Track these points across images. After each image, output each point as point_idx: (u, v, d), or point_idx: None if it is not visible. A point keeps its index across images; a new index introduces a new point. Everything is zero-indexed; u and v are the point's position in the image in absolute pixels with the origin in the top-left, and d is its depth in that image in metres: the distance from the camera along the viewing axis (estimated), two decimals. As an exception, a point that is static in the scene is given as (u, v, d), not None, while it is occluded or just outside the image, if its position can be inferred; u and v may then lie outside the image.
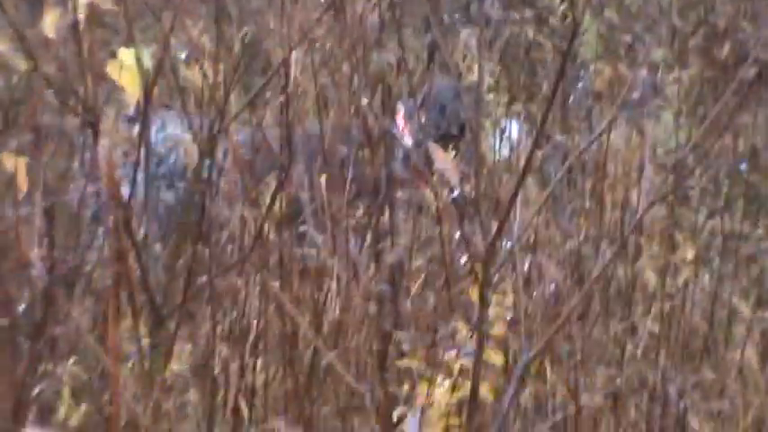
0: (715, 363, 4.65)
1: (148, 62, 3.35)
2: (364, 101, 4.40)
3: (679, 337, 4.58)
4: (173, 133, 5.12)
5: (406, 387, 3.30)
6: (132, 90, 3.45)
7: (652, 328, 4.56)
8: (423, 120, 5.21)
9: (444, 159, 3.19)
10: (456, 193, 3.33)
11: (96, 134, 3.06)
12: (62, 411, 4.09)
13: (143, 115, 3.36)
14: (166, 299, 3.24)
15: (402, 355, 3.87)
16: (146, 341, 3.32)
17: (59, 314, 4.04)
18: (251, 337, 4.11)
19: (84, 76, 3.13)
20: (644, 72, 5.28)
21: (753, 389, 4.50)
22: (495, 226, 3.16)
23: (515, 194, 3.21)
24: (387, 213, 4.25)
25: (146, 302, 3.29)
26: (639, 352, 4.53)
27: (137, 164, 3.56)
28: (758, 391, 4.49)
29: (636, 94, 5.13)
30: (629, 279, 4.65)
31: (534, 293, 4.19)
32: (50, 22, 3.82)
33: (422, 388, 3.26)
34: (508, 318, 3.29)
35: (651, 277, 4.68)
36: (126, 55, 3.39)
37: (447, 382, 3.26)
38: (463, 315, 3.59)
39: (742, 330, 4.72)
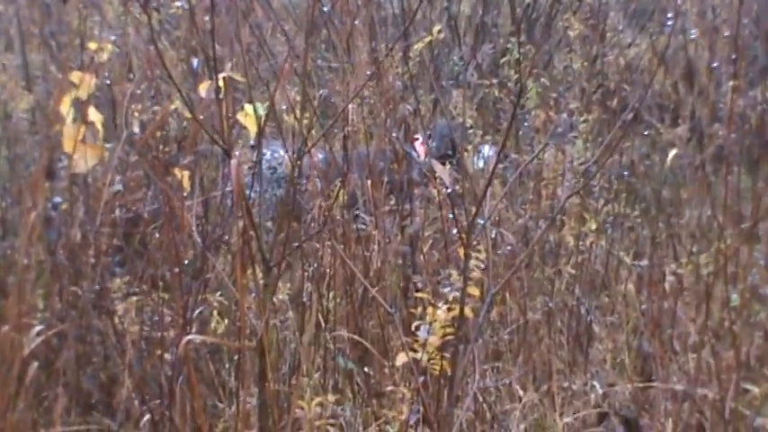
0: (609, 293, 4.60)
1: (261, 112, 3.31)
2: (394, 134, 4.37)
3: (587, 277, 4.54)
4: (277, 154, 5.12)
5: (420, 309, 3.26)
6: (252, 129, 3.43)
7: (570, 272, 4.52)
8: (430, 145, 5.18)
9: (442, 170, 3.14)
10: (450, 190, 3.29)
11: (229, 157, 3.03)
12: (212, 325, 4.09)
13: (258, 144, 3.33)
14: (273, 256, 3.21)
15: (418, 290, 3.86)
16: (261, 282, 3.29)
17: (210, 265, 4.03)
18: (325, 280, 4.09)
19: (223, 121, 3.10)
20: (565, 115, 5.23)
21: (631, 308, 4.46)
22: (473, 210, 3.13)
23: (485, 191, 3.17)
24: (408, 203, 4.23)
25: (260, 259, 3.25)
26: (563, 286, 4.48)
27: (254, 174, 3.54)
28: (634, 309, 4.44)
29: (560, 129, 5.08)
30: (557, 242, 4.60)
31: (498, 252, 4.16)
32: (203, 88, 3.81)
33: (430, 310, 3.22)
34: (482, 267, 3.24)
35: (570, 240, 4.64)
36: (248, 108, 3.37)
37: (445, 307, 3.21)
38: (455, 265, 3.55)
39: (625, 273, 4.67)
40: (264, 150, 4.40)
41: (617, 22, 6.78)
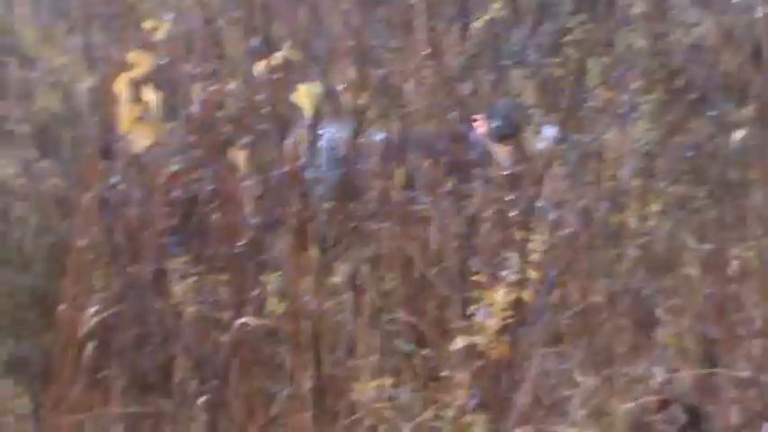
0: (672, 276, 4.49)
1: (318, 91, 3.25)
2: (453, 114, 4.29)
3: (650, 260, 4.43)
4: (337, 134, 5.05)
5: (478, 292, 3.18)
6: (308, 109, 3.37)
7: (633, 254, 4.41)
8: (490, 125, 5.09)
9: (501, 151, 3.06)
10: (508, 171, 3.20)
11: (284, 137, 2.98)
12: (269, 305, 4.05)
13: (314, 124, 3.28)
14: (329, 237, 3.16)
15: (476, 272, 3.77)
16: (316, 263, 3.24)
17: (267, 245, 4.00)
18: (382, 261, 4.02)
19: (278, 100, 3.05)
20: (627, 96, 5.11)
21: (695, 292, 4.34)
22: (532, 192, 3.05)
23: (544, 171, 3.09)
24: (466, 184, 4.14)
25: (317, 239, 3.20)
26: (625, 269, 4.37)
27: (311, 153, 3.49)
28: (698, 294, 4.32)
29: (622, 110, 4.97)
30: (619, 223, 4.49)
31: (559, 234, 4.05)
32: (260, 66, 3.75)
33: (488, 293, 3.15)
34: (542, 249, 3.16)
35: (632, 222, 4.53)
36: (304, 88, 3.31)
37: (503, 290, 3.14)
38: (514, 248, 3.47)
39: (689, 256, 4.55)
40: (323, 130, 4.34)
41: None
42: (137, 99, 3.26)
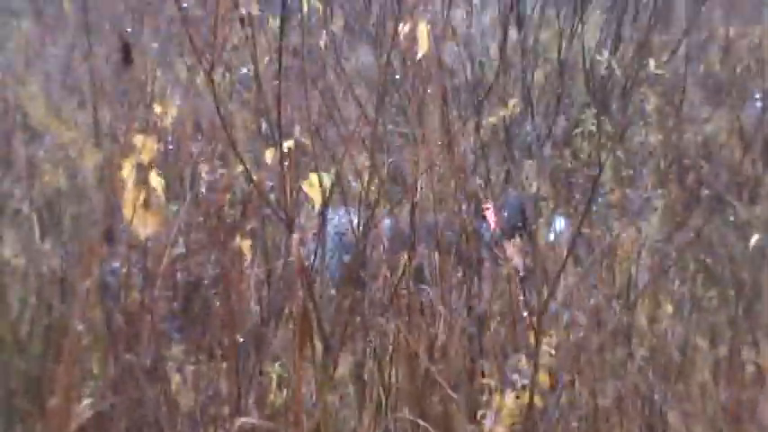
0: (685, 380, 4.35)
1: (327, 182, 3.16)
2: (464, 208, 4.19)
3: (661, 362, 4.29)
4: (345, 219, 4.95)
5: (486, 396, 3.05)
6: (317, 200, 3.27)
7: (644, 355, 4.28)
8: (501, 216, 5.00)
9: (514, 251, 2.95)
10: (521, 274, 3.08)
11: (291, 230, 2.87)
12: (270, 398, 3.92)
13: (322, 216, 3.17)
14: (334, 333, 3.04)
15: (484, 374, 3.64)
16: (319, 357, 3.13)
17: (270, 335, 3.89)
18: (388, 355, 3.89)
19: (286, 192, 2.95)
20: (640, 192, 5.03)
21: (708, 397, 4.20)
22: (545, 293, 2.93)
23: (560, 273, 2.97)
24: (476, 281, 4.02)
25: (321, 330, 3.09)
26: (635, 370, 4.23)
27: (319, 242, 3.39)
28: (711, 400, 4.18)
29: (635, 206, 4.88)
30: (629, 323, 4.36)
31: (569, 336, 3.92)
32: (269, 154, 3.66)
33: (497, 397, 3.02)
34: (552, 352, 3.03)
35: (644, 322, 4.41)
36: (314, 177, 3.21)
37: (513, 394, 3.01)
38: (524, 349, 3.35)
39: (701, 359, 4.41)
40: (332, 215, 4.24)
41: (693, 96, 6.56)
42: (142, 183, 3.17)
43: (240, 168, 4.50)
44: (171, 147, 4.51)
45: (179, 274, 4.33)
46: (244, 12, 2.80)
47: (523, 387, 2.97)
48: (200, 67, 3.23)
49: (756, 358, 4.22)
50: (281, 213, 2.90)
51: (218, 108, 3.59)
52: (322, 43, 6.00)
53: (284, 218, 2.90)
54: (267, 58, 4.01)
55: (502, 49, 6.52)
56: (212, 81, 3.05)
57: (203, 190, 5.04)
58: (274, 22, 4.34)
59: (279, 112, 3.03)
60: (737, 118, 6.29)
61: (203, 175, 5.03)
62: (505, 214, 5.20)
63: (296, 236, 2.82)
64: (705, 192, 5.72)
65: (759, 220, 5.65)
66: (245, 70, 5.06)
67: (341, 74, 6.17)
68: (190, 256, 4.55)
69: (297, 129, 4.49)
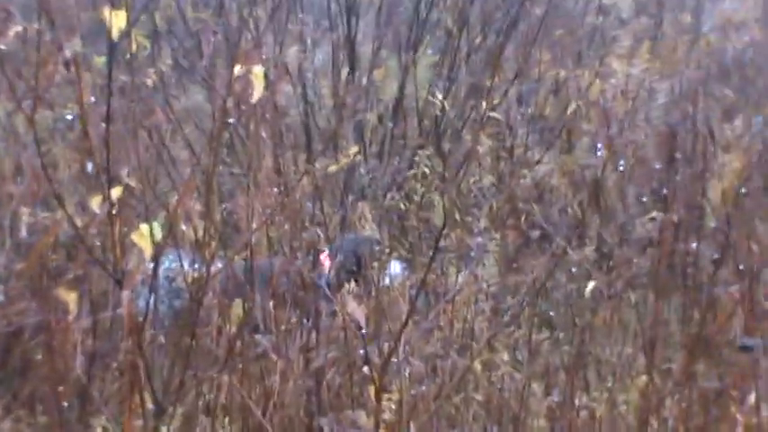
0: (521, 426, 4.29)
1: (158, 232, 2.99)
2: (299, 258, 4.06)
3: (497, 409, 4.22)
4: (175, 264, 4.75)
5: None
6: (147, 250, 3.09)
7: (479, 400, 4.21)
8: (337, 260, 4.90)
9: (355, 307, 2.82)
10: (363, 331, 2.95)
11: (121, 286, 2.70)
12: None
13: (154, 264, 3.00)
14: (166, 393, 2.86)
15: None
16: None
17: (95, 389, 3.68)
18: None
19: (114, 245, 2.77)
20: (478, 238, 5.00)
21: None
22: (387, 349, 2.83)
23: (401, 330, 2.87)
24: (314, 333, 3.88)
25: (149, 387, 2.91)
26: (471, 418, 4.16)
27: (150, 290, 3.23)
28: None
29: (472, 253, 4.85)
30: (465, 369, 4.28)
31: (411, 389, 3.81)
32: (95, 203, 3.46)
33: (335, 456, 2.89)
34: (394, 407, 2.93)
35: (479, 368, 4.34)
36: (144, 228, 3.03)
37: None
38: (365, 404, 3.23)
39: (536, 405, 4.36)
40: (162, 258, 4.06)
41: (526, 139, 6.60)
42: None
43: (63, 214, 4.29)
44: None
45: (-4, 325, 4.11)
46: (68, 54, 2.61)
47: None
48: (20, 110, 3.02)
49: (589, 402, 4.21)
50: (110, 268, 2.71)
51: (38, 148, 3.39)
52: (149, 82, 5.82)
53: (112, 273, 2.71)
54: (93, 98, 3.82)
55: (335, 88, 6.45)
56: (32, 122, 2.85)
57: (24, 234, 4.79)
58: (99, 60, 4.15)
59: (108, 156, 2.85)
60: (566, 161, 6.36)
61: (23, 218, 4.78)
62: (340, 258, 5.10)
63: (126, 292, 2.64)
64: (536, 235, 5.75)
65: (587, 261, 5.70)
66: (68, 114, 4.83)
67: (170, 114, 5.99)
68: (9, 305, 4.32)
69: (124, 171, 4.29)
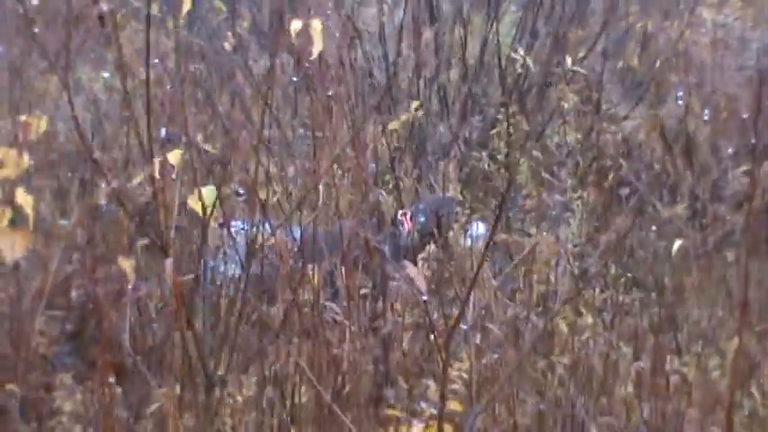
0: (605, 392, 4.07)
1: (212, 197, 2.83)
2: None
3: (582, 374, 4.00)
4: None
5: (392, 429, 2.73)
6: (201, 212, 2.93)
7: (564, 363, 3.99)
8: (417, 221, 4.71)
9: (416, 274, 2.61)
10: (425, 298, 2.73)
11: (166, 254, 2.53)
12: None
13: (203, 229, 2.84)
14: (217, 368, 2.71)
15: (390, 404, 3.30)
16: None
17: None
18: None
19: (162, 213, 2.61)
20: (558, 196, 4.74)
21: (629, 411, 3.92)
22: (454, 315, 2.62)
23: (468, 294, 2.66)
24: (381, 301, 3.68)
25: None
26: (556, 383, 3.94)
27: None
28: (633, 412, 3.91)
29: (553, 212, 4.59)
30: (549, 332, 4.06)
31: (483, 358, 3.58)
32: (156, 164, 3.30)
33: (404, 429, 2.71)
34: (464, 377, 2.72)
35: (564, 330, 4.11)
36: (197, 193, 2.87)
37: (420, 426, 2.69)
38: (434, 373, 3.03)
39: (624, 369, 4.13)
40: (233, 223, 3.90)
41: (612, 94, 6.30)
42: (8, 202, 2.79)
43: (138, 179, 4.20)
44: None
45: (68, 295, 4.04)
46: (104, 8, 2.43)
47: (431, 417, 2.66)
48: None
49: (680, 367, 3.96)
50: (155, 236, 2.55)
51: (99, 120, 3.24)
52: (228, 45, 5.68)
53: (157, 239, 2.55)
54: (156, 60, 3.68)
55: (415, 48, 6.22)
56: (68, 86, 2.69)
57: (102, 202, 4.70)
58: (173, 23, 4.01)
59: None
60: (656, 115, 6.04)
61: (103, 185, 4.70)
62: (421, 219, 4.90)
63: (170, 260, 2.48)
64: (625, 192, 5.46)
65: (679, 219, 5.41)
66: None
67: (249, 77, 5.83)
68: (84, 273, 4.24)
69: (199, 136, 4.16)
